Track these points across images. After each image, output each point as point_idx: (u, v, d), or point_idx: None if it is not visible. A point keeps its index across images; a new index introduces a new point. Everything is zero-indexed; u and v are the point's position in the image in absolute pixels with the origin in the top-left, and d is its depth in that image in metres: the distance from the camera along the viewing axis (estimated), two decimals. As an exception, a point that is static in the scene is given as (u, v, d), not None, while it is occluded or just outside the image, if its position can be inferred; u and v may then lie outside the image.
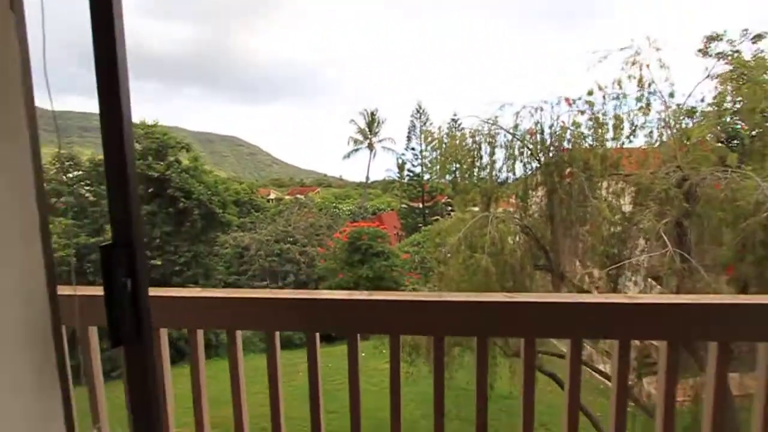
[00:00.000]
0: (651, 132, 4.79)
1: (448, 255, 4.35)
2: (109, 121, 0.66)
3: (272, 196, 63.08)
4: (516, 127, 4.70)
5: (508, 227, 4.42)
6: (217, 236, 16.85)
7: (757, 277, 4.14)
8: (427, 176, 38.59)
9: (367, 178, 48.03)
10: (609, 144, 4.74)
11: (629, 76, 4.62)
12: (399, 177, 50.60)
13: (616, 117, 4.54)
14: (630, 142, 4.69)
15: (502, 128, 4.69)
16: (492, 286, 4.03)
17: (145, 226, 14.05)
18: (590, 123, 4.55)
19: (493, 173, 4.67)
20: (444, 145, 4.83)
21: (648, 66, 4.51)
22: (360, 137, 41.36)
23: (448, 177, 5.06)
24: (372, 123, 41.20)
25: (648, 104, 4.51)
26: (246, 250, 24.22)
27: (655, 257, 4.13)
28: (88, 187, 15.02)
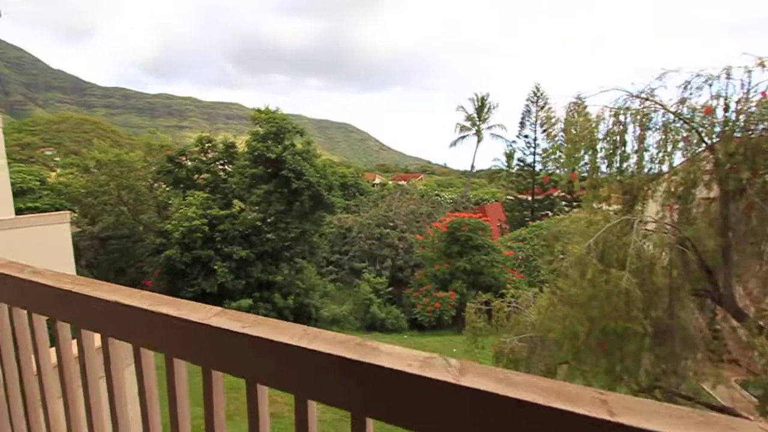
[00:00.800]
0: None
1: (569, 267, 3.46)
2: None
3: (377, 180, 65.42)
4: (683, 102, 3.43)
5: (659, 237, 3.30)
6: (323, 216, 17.83)
7: None
8: (539, 167, 35.23)
9: (472, 166, 46.01)
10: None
11: None
12: (507, 166, 47.51)
13: None
14: None
15: (660, 104, 3.47)
16: (634, 315, 3.02)
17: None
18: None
19: (643, 163, 3.51)
20: (575, 128, 3.83)
21: None
22: (468, 124, 39.58)
23: (571, 166, 4.05)
24: (481, 109, 38.98)
25: None
26: (348, 231, 25.41)
27: None
28: (221, 166, 17.21)
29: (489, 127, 39.42)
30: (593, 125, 3.60)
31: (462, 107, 39.27)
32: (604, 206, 3.88)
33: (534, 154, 35.51)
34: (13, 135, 42.69)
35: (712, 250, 3.42)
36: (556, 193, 35.33)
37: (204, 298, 13.89)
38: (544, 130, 34.69)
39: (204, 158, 16.66)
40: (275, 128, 15.89)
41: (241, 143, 17.85)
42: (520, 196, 37.52)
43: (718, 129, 3.27)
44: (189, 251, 13.76)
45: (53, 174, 20.03)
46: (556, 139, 4.07)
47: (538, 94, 35.04)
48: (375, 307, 17.34)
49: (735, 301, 3.45)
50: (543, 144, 34.59)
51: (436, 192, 46.08)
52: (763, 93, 3.13)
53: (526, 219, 34.88)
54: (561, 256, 3.52)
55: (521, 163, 36.50)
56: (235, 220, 15.09)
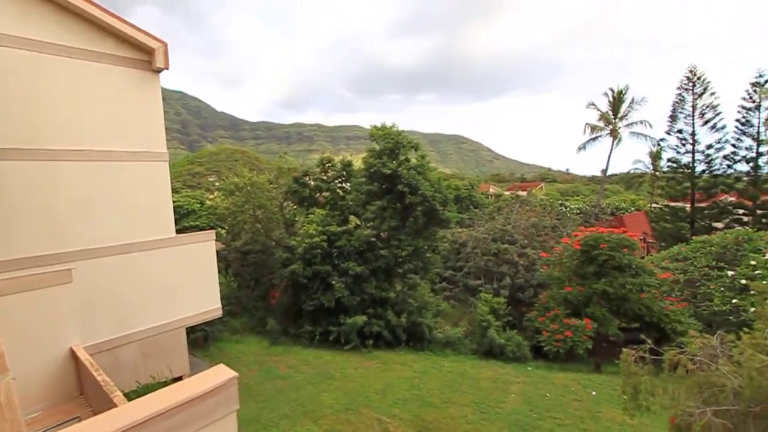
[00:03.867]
0: None
1: None
2: None
3: (492, 191, 62.46)
4: None
5: None
6: (436, 231, 17.19)
7: None
8: (701, 167, 28.52)
9: (605, 171, 39.95)
10: None
11: None
12: (653, 169, 40.30)
13: None
14: None
15: None
16: None
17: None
18: None
19: None
20: None
21: None
22: (600, 123, 34.57)
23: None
24: (617, 105, 33.67)
25: None
26: (463, 247, 24.23)
27: None
28: (340, 184, 18.08)
29: (628, 125, 33.78)
30: None
31: (593, 105, 34.51)
32: None
33: (692, 152, 28.99)
34: (187, 166, 53.39)
35: None
36: (726, 199, 28.10)
37: (322, 312, 14.50)
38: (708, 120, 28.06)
39: (324, 177, 17.72)
40: (391, 144, 15.99)
41: (358, 161, 18.54)
42: (672, 203, 30.98)
43: None
44: (310, 266, 14.58)
45: (211, 197, 23.91)
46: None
47: (694, 78, 28.60)
48: (493, 330, 15.79)
49: None
50: (705, 140, 28.07)
51: (560, 202, 41.34)
52: None
53: (683, 232, 28.53)
54: None
55: (674, 164, 30.14)
56: (351, 237, 15.51)
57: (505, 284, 20.25)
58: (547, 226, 25.16)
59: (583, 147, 35.58)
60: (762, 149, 26.05)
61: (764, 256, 15.48)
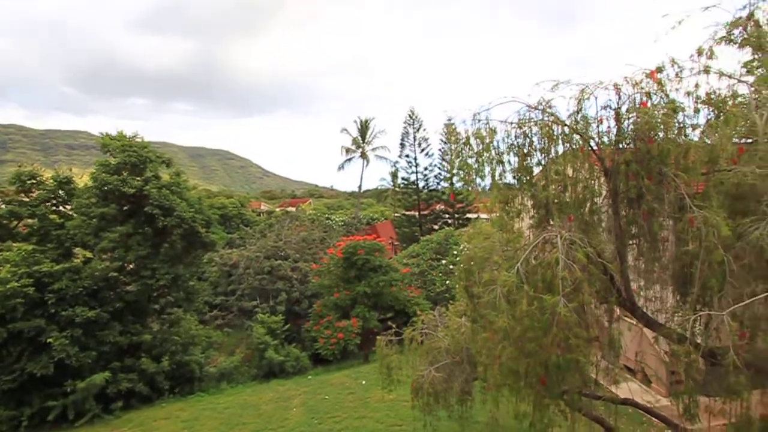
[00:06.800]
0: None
1: (498, 297, 3.13)
2: None
3: (264, 208, 61.81)
4: (576, 113, 3.51)
5: (582, 252, 3.19)
6: (200, 255, 15.45)
7: None
8: (422, 184, 37.56)
9: (360, 187, 46.72)
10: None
11: (731, 40, 3.53)
12: (393, 185, 49.51)
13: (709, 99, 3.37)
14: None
15: (555, 116, 3.47)
16: (573, 343, 2.83)
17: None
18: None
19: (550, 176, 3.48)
20: (479, 144, 3.64)
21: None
22: (353, 147, 40.25)
23: (480, 181, 3.85)
24: (365, 131, 40.10)
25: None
26: (234, 268, 22.77)
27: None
28: (54, 207, 13.61)
29: (374, 149, 40.73)
30: (487, 142, 3.45)
31: (346, 130, 39.85)
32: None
33: (416, 172, 37.67)
34: None
35: (609, 258, 3.55)
36: (439, 207, 38.00)
37: (32, 384, 10.36)
38: (455, 149, 36.87)
39: (26, 199, 12.94)
40: (133, 158, 13.33)
41: (84, 178, 14.51)
42: (407, 212, 39.30)
43: (606, 139, 3.45)
44: (3, 326, 10.20)
45: None
46: (461, 153, 3.80)
47: (414, 117, 37.51)
48: (271, 350, 15.47)
49: (640, 308, 3.64)
50: (423, 163, 37.24)
51: (327, 216, 45.35)
52: (644, 103, 3.39)
53: (416, 234, 36.62)
54: (492, 287, 3.17)
55: (405, 182, 38.34)
56: (78, 275, 11.88)
57: (281, 300, 20.28)
58: (316, 239, 26.88)
59: (342, 166, 40.42)
60: (453, 171, 36.71)
61: (460, 247, 21.74)
